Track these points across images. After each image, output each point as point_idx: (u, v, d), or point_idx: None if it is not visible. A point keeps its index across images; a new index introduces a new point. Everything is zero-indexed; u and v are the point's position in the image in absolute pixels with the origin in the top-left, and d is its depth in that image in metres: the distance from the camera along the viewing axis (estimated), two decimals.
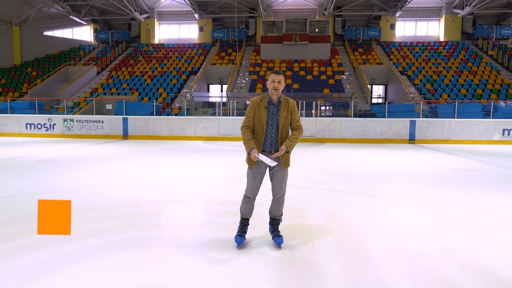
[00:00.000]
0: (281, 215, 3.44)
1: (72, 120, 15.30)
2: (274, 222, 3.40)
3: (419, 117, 14.88)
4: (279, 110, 3.21)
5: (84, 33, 31.20)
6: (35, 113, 16.06)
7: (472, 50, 25.95)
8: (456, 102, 14.82)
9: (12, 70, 25.48)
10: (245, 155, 3.38)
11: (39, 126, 15.42)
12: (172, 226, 3.94)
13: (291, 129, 3.31)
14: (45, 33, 28.84)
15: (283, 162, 3.24)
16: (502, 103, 16.01)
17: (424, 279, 2.73)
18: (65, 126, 15.26)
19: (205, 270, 2.85)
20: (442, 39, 28.31)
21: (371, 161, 9.35)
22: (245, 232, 3.34)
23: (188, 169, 7.96)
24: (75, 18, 27.68)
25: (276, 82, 3.15)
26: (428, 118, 14.70)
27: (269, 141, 3.22)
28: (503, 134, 13.79)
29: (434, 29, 29.13)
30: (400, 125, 14.21)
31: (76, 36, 30.84)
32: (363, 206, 4.81)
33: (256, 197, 3.34)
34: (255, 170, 3.23)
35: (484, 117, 14.58)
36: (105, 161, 8.94)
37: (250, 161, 3.21)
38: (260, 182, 3.29)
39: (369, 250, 3.25)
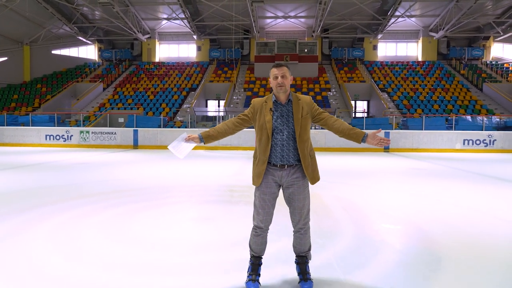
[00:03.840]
0: (309, 249, 2.71)
1: (87, 132, 17.23)
2: (301, 261, 2.66)
3: (393, 129, 17.12)
4: (291, 111, 2.55)
5: (89, 52, 33.29)
6: (54, 126, 17.96)
7: (447, 69, 28.60)
8: (424, 116, 17.12)
9: (22, 86, 27.36)
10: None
11: (57, 137, 17.30)
12: (201, 195, 5.97)
13: (323, 122, 2.61)
14: (53, 51, 30.90)
15: (309, 177, 2.58)
16: (468, 118, 18.42)
17: (363, 225, 4.80)
18: (81, 137, 17.17)
19: (231, 208, 4.87)
20: (420, 59, 31.00)
21: (349, 164, 11.46)
22: (259, 275, 2.62)
23: (198, 169, 9.96)
24: (82, 39, 29.83)
25: (279, 78, 2.51)
26: (400, 130, 16.95)
27: (281, 152, 2.53)
28: (464, 144, 16.06)
29: (413, 50, 31.86)
30: None
31: (82, 55, 32.91)
32: (332, 189, 6.87)
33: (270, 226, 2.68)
34: (263, 190, 2.56)
35: (447, 129, 16.88)
36: (126, 164, 10.91)
37: (255, 178, 2.59)
38: (273, 206, 2.60)
39: (330, 207, 5.31)
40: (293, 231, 2.68)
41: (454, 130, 16.69)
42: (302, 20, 30.10)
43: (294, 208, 2.59)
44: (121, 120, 18.72)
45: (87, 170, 9.26)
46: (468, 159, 13.24)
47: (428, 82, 26.34)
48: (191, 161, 11.89)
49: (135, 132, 16.98)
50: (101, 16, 27.79)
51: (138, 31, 28.71)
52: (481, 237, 3.93)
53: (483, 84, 25.38)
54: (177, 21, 29.25)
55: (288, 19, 29.64)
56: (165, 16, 29.31)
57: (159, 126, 17.86)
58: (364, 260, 3.26)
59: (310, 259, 2.74)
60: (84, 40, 30.28)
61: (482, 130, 16.58)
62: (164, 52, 33.07)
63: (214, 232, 4.10)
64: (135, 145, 16.97)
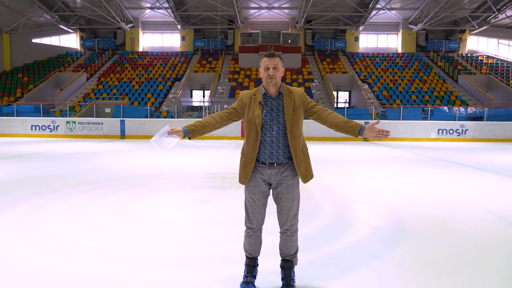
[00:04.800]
0: (295, 253, 2.56)
1: (74, 122, 17.32)
2: (286, 265, 2.53)
3: (372, 119, 17.88)
4: (281, 104, 2.42)
5: (70, 41, 32.78)
6: (39, 116, 17.95)
7: (425, 61, 29.59)
8: (401, 107, 17.94)
9: (3, 76, 26.86)
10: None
11: (43, 128, 17.33)
12: (194, 181, 6.45)
13: (316, 115, 2.48)
14: (33, 40, 30.27)
15: (301, 175, 2.45)
16: (445, 109, 19.38)
17: (340, 205, 5.39)
18: (68, 128, 17.26)
19: (224, 192, 5.38)
20: (400, 50, 31.88)
21: (331, 153, 12.10)
22: (254, 277, 2.55)
23: (188, 158, 10.40)
24: (63, 27, 29.35)
25: (271, 69, 2.37)
26: (379, 120, 17.72)
27: (270, 149, 2.40)
28: (438, 133, 16.98)
29: (393, 42, 32.70)
30: None
31: (63, 43, 32.38)
32: (314, 175, 7.44)
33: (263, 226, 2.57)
34: (251, 189, 2.45)
35: (423, 119, 17.77)
36: (116, 153, 11.26)
37: (242, 177, 2.47)
38: (264, 205, 2.50)
39: (312, 190, 5.89)
40: (280, 232, 2.53)
41: (430, 120, 17.59)
42: (286, 11, 30.44)
43: (282, 208, 2.46)
44: (107, 110, 18.84)
45: (79, 160, 9.57)
46: (441, 147, 14.10)
47: (407, 73, 27.25)
48: (180, 150, 12.30)
49: (122, 122, 17.19)
50: (83, 4, 27.38)
51: (121, 20, 28.44)
52: (443, 216, 4.57)
53: (458, 76, 26.46)
54: (161, 10, 29.11)
55: (272, 10, 29.93)
56: (148, 5, 29.11)
57: (146, 116, 18.11)
58: (340, 232, 3.84)
59: (296, 264, 2.58)
60: (66, 28, 29.77)
61: (455, 120, 17.52)
62: (148, 41, 32.88)
63: (210, 211, 4.62)
64: (122, 135, 17.19)
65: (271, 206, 2.63)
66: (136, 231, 3.82)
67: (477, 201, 5.22)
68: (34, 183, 6.31)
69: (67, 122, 17.28)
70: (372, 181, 6.85)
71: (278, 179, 2.43)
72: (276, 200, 2.50)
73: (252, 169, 2.42)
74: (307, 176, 2.47)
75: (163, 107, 22.83)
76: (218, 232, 3.79)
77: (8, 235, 3.64)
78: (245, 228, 2.56)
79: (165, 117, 20.15)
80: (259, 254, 2.59)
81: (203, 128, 2.53)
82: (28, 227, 3.90)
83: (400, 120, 17.46)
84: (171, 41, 32.92)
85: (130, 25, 30.73)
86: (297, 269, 2.74)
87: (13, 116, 18.03)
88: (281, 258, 2.57)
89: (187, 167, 8.44)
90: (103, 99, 22.84)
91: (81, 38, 32.31)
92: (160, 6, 27.91)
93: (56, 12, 27.37)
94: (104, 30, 32.03)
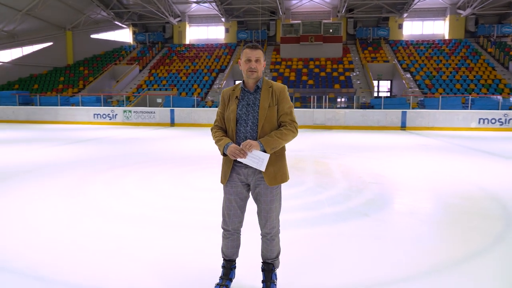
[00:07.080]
0: (277, 257, 2.49)
1: (130, 111, 19.28)
2: (266, 268, 2.47)
3: (410, 109, 18.08)
4: (258, 99, 2.31)
5: (124, 35, 35.37)
6: (100, 106, 20.16)
7: (473, 47, 28.51)
8: (440, 97, 17.93)
9: (67, 69, 29.89)
10: None
11: (104, 116, 19.48)
12: None
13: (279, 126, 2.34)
14: (92, 36, 33.16)
15: (268, 177, 2.29)
16: (495, 97, 19.03)
17: (353, 181, 6.31)
18: (125, 116, 19.26)
19: None
20: (447, 37, 30.90)
21: (363, 140, 12.78)
22: (230, 280, 2.49)
23: None
24: (117, 23, 31.85)
25: (253, 61, 2.27)
26: (417, 110, 17.89)
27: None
28: (479, 122, 16.85)
29: (439, 28, 31.72)
30: (393, 115, 17.45)
31: (118, 38, 35.04)
32: (339, 159, 8.34)
33: (242, 228, 2.51)
34: (228, 190, 2.38)
35: (463, 109, 17.66)
36: (168, 139, 12.77)
37: (223, 176, 2.40)
38: (241, 208, 2.43)
39: (332, 170, 6.82)
40: (260, 235, 2.46)
41: (470, 109, 17.45)
42: (328, 0, 30.62)
43: (261, 210, 2.38)
44: (159, 100, 20.66)
45: (139, 143, 11.15)
46: (480, 137, 14.14)
47: (453, 61, 26.54)
48: None
49: (172, 111, 18.86)
50: (135, 1, 29.50)
51: (169, 15, 30.30)
52: (437, 189, 5.35)
53: (510, 62, 25.35)
54: (206, 4, 30.56)
55: (313, 0, 30.26)
56: None
57: (193, 106, 19.67)
58: (345, 199, 4.80)
59: (278, 267, 2.51)
60: (120, 24, 32.28)
61: (498, 109, 17.24)
62: (194, 34, 34.61)
63: None
64: (172, 123, 18.88)
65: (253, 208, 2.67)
66: (190, 193, 5.06)
67: (480, 183, 5.87)
68: (109, 160, 7.83)
69: (124, 111, 19.28)
70: (389, 165, 7.62)
71: (256, 180, 2.33)
72: (255, 200, 2.42)
73: (231, 168, 2.34)
74: (276, 178, 2.32)
75: (209, 97, 24.36)
76: None
77: (101, 193, 5.02)
78: (222, 230, 2.48)
79: (210, 107, 21.65)
80: (237, 256, 2.53)
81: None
82: (114, 188, 5.29)
83: (438, 109, 17.50)
84: (215, 33, 34.40)
85: (178, 19, 32.56)
86: (302, 220, 3.77)
87: (78, 106, 20.39)
88: (262, 261, 2.50)
89: None
90: (154, 89, 24.83)
91: (134, 33, 34.74)
92: (205, 0, 29.33)
93: (111, 10, 29.84)
94: (154, 24, 34.21)
